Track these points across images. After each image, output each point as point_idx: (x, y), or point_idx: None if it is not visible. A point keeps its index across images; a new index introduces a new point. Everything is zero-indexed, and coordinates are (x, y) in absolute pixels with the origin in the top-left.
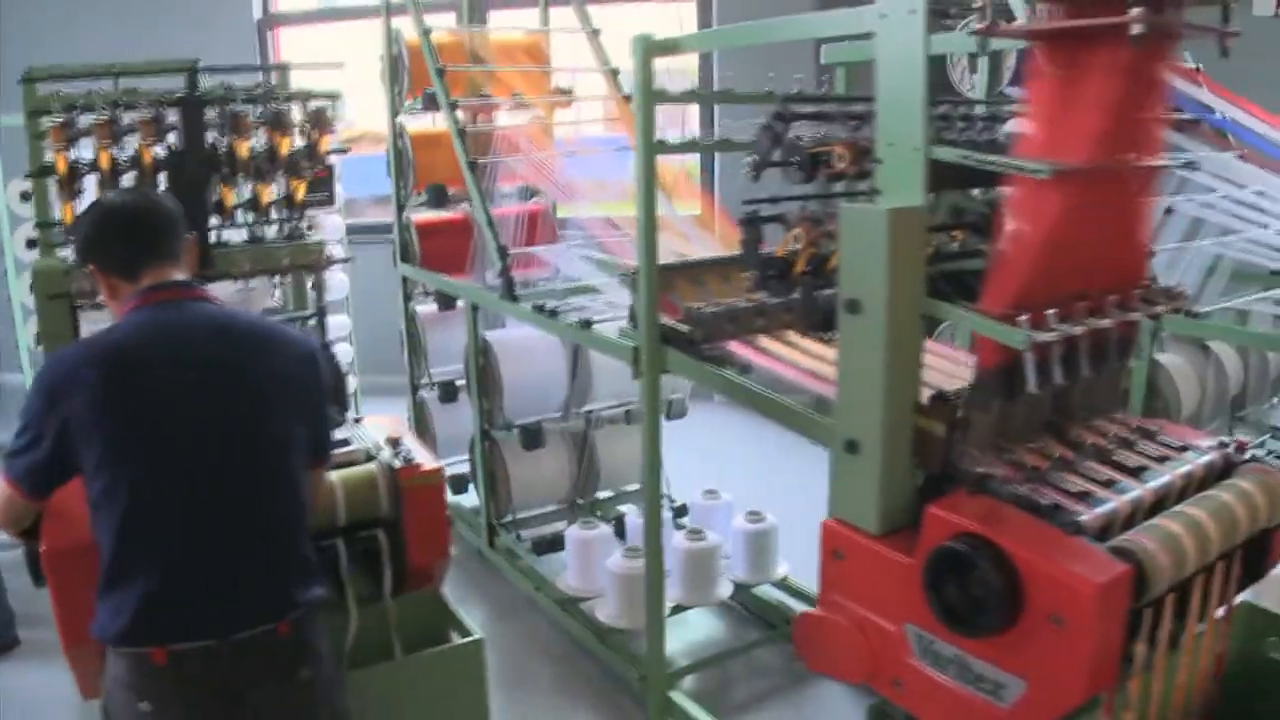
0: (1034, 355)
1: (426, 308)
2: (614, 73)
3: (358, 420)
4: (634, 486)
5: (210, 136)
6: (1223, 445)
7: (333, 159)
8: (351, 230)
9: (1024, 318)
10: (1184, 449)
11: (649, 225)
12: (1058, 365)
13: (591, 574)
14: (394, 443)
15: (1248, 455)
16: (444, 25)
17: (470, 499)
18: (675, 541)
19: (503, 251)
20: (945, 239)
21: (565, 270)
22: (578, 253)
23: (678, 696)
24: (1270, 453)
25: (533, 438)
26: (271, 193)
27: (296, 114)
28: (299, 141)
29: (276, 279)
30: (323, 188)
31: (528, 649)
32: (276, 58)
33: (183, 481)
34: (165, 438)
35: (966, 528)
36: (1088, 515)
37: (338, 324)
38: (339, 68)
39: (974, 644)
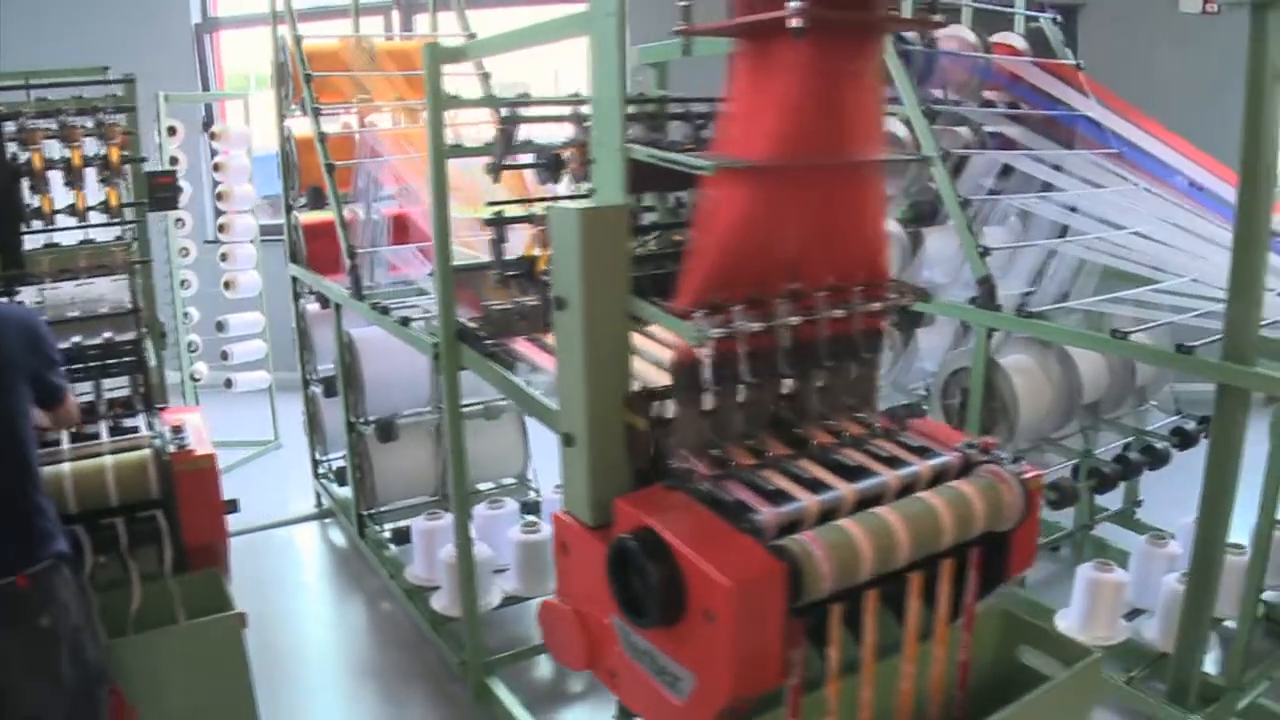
0: (715, 351)
1: (315, 305)
2: (485, 76)
3: (160, 409)
4: (509, 480)
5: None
6: (969, 446)
7: (127, 168)
8: (269, 230)
9: (699, 314)
10: (922, 450)
11: (442, 227)
12: (744, 363)
13: (434, 564)
14: (177, 430)
15: (987, 457)
16: (337, 32)
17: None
18: (511, 534)
19: (351, 252)
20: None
21: (408, 272)
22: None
23: (495, 684)
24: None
25: (386, 431)
26: (85, 199)
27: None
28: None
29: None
30: (165, 191)
31: (380, 638)
32: (216, 62)
33: None
34: None
35: (642, 521)
36: (766, 514)
37: (250, 321)
38: (105, 75)
39: (658, 637)
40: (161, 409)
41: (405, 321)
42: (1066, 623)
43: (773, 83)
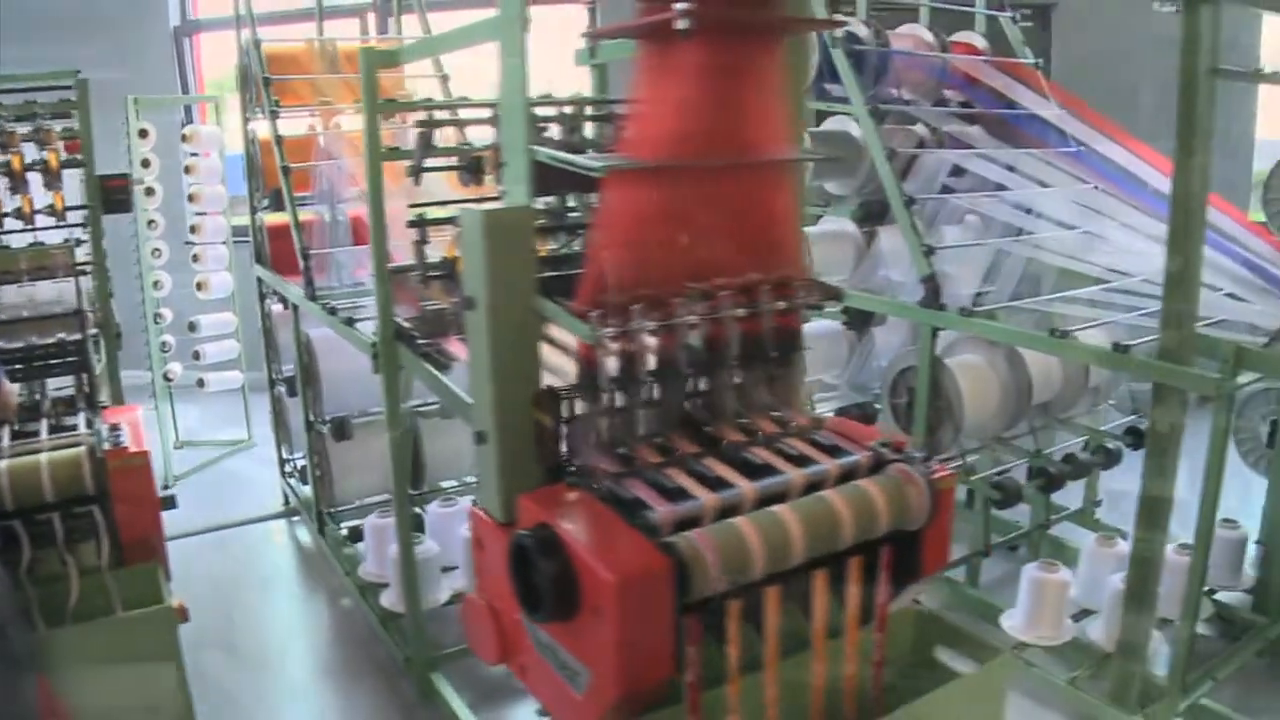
0: (619, 351)
1: (280, 306)
2: (444, 78)
3: (104, 408)
4: (472, 478)
5: None
6: (882, 445)
7: (73, 171)
8: (241, 231)
9: (595, 313)
10: (833, 449)
11: (378, 228)
12: (647, 362)
13: (385, 561)
14: (114, 429)
15: (899, 456)
16: (308, 35)
17: None
18: (461, 531)
19: (304, 253)
20: None
21: (358, 273)
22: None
23: (439, 680)
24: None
25: (340, 429)
26: (32, 202)
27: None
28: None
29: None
30: (118, 194)
31: (336, 634)
32: (196, 65)
33: None
34: None
35: (539, 517)
36: (661, 511)
37: (222, 321)
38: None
39: (558, 631)
40: (105, 408)
41: (350, 322)
42: (1012, 622)
43: (668, 83)
